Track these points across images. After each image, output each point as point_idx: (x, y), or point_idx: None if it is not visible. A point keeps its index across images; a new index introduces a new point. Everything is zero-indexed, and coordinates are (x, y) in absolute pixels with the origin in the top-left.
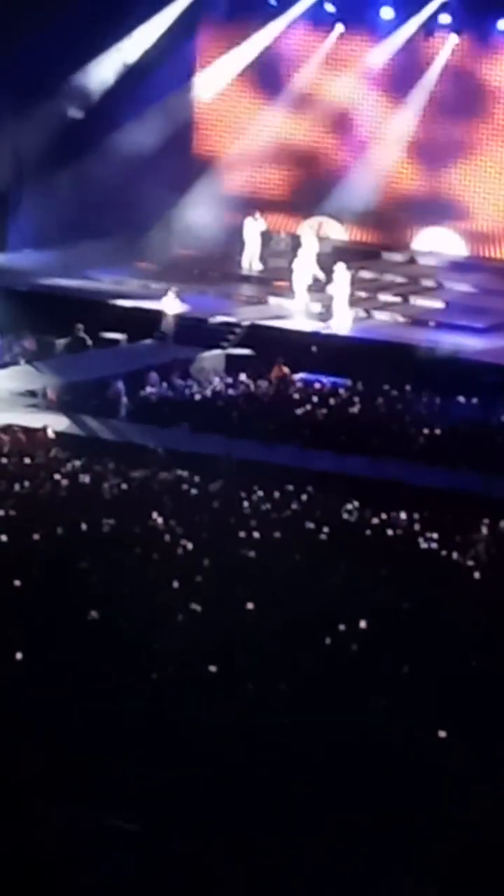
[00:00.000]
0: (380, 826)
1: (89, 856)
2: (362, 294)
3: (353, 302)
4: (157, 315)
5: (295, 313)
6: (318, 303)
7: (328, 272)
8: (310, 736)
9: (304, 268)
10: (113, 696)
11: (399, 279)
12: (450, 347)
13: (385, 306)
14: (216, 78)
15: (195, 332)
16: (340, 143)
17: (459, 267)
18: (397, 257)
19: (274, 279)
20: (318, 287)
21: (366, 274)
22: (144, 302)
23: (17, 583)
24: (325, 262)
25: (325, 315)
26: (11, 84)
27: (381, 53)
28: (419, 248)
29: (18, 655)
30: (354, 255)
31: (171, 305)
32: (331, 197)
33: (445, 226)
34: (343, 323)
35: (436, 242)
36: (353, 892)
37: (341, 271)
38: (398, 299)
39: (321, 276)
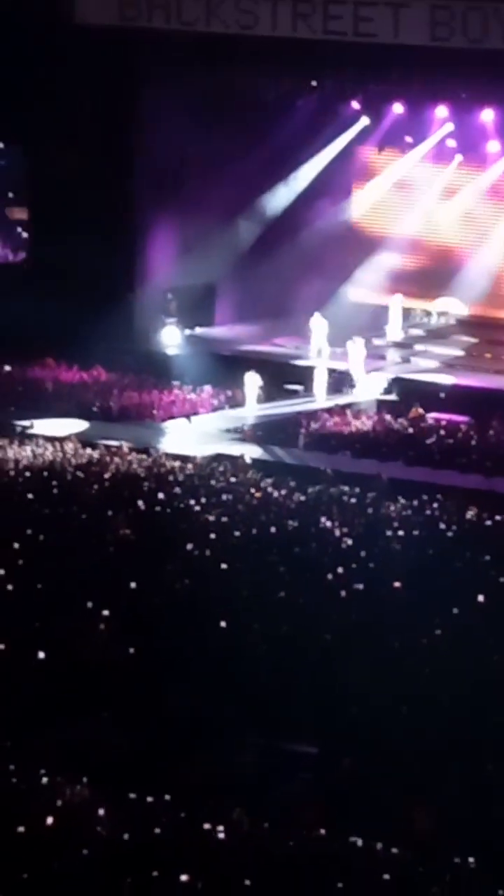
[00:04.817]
0: None
1: (278, 775)
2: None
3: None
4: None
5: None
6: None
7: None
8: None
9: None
10: (302, 655)
11: None
12: None
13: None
14: (371, 190)
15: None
16: (461, 240)
17: None
18: None
19: (411, 345)
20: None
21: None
22: (316, 361)
23: (223, 566)
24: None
25: (350, 383)
26: (222, 203)
27: (488, 176)
28: None
29: (223, 623)
30: (472, 326)
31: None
32: (454, 280)
33: None
34: (366, 389)
35: None
36: None
37: (355, 343)
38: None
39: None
